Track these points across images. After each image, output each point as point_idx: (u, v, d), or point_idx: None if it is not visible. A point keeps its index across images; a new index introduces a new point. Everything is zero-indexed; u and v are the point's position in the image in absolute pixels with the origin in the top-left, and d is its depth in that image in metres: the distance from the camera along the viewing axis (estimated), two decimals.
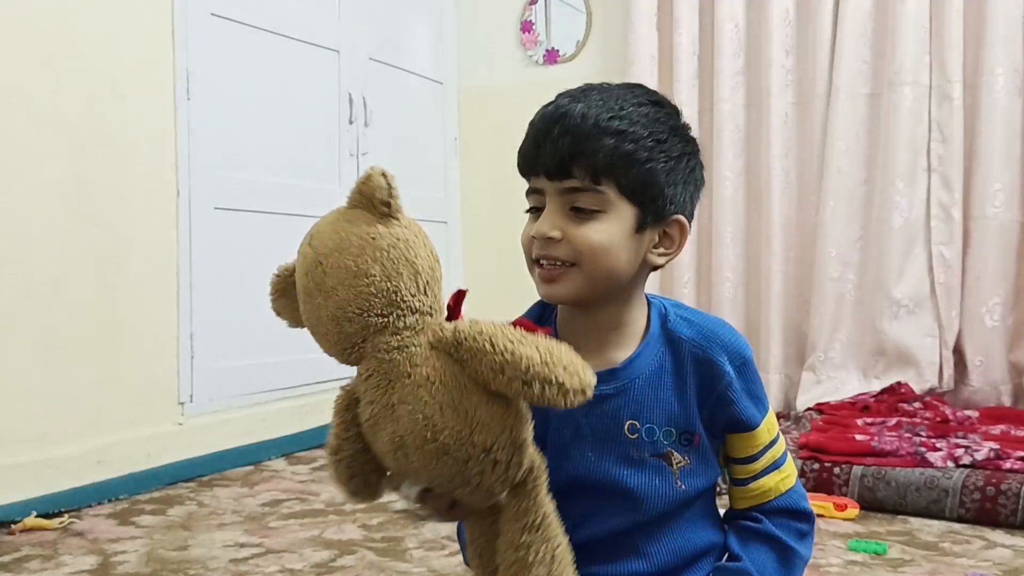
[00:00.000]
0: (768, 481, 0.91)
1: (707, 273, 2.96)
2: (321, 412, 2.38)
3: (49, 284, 1.96)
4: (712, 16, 2.89)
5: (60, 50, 1.99)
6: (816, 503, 1.76)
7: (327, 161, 2.78)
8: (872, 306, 2.69)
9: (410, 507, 0.75)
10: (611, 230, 0.82)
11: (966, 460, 1.88)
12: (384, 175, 0.70)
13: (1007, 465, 1.84)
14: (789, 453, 0.94)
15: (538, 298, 0.89)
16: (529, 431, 0.72)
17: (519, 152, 0.86)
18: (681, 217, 0.86)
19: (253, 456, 2.35)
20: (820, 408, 2.59)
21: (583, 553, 0.89)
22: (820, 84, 2.76)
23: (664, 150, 0.82)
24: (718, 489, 0.93)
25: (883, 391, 2.62)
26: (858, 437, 2.03)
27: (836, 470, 1.90)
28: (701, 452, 0.88)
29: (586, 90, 0.85)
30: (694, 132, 0.89)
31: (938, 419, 2.28)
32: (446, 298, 0.74)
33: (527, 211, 0.87)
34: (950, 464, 1.88)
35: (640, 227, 0.83)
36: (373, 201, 0.69)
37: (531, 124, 0.85)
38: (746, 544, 0.90)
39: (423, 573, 1.48)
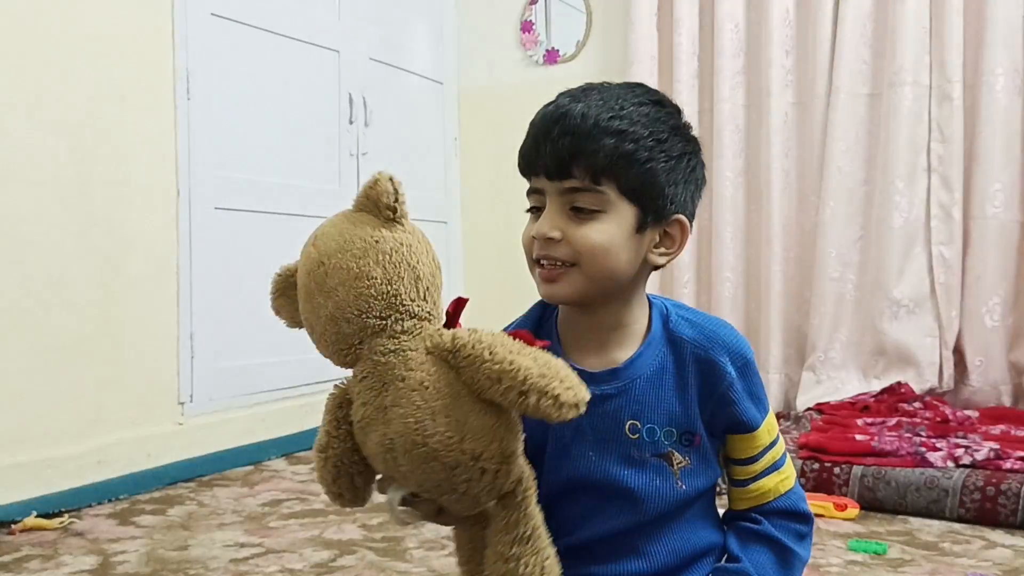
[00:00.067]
0: (768, 482, 0.91)
1: (707, 273, 2.96)
2: (321, 412, 2.38)
3: (49, 284, 1.96)
4: (712, 16, 2.89)
5: (60, 50, 1.99)
6: (816, 503, 1.76)
7: (327, 161, 2.78)
8: (872, 306, 2.69)
9: (394, 513, 0.74)
10: (611, 230, 0.82)
11: (966, 460, 1.88)
12: (391, 180, 0.70)
13: (1007, 465, 1.84)
14: (788, 454, 0.94)
15: (539, 298, 0.89)
16: (519, 443, 0.72)
17: (519, 152, 0.86)
18: (682, 217, 0.86)
19: (253, 456, 2.35)
20: (820, 408, 2.59)
21: (583, 553, 0.89)
22: (820, 84, 2.76)
23: (664, 149, 0.82)
24: (718, 490, 0.93)
25: (883, 391, 2.62)
26: (858, 437, 2.03)
27: (836, 470, 1.90)
28: (702, 452, 0.88)
29: (586, 90, 0.85)
30: (694, 132, 0.89)
31: (938, 419, 2.28)
32: (446, 304, 0.74)
33: (528, 211, 0.87)
34: (950, 464, 1.88)
35: (640, 227, 0.83)
36: (379, 205, 0.69)
37: (531, 124, 0.85)
38: (745, 545, 0.90)
39: (423, 573, 1.48)
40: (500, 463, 0.69)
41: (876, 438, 2.01)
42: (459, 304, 0.71)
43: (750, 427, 0.88)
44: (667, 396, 0.87)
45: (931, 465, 1.87)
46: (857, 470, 1.88)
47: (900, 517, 1.80)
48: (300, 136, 2.68)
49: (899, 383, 2.61)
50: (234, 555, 1.59)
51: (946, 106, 2.59)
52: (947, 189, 2.61)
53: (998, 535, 1.68)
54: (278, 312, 0.75)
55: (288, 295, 0.73)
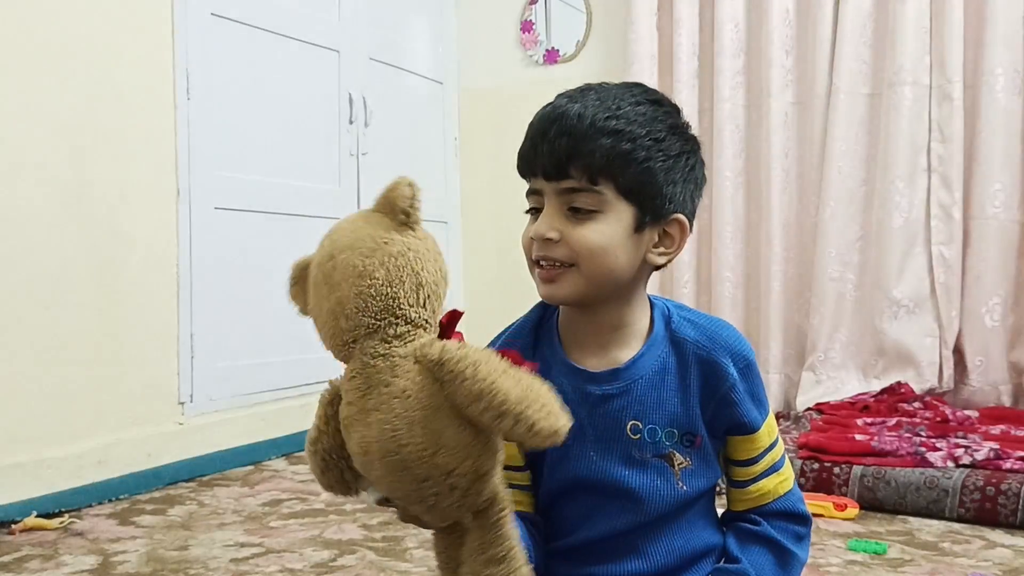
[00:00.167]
0: (767, 483, 0.91)
1: (707, 273, 2.96)
2: None
3: (49, 284, 1.96)
4: (712, 16, 2.89)
5: (60, 50, 1.99)
6: (816, 503, 1.76)
7: (327, 161, 2.79)
8: (872, 306, 2.69)
9: (371, 508, 0.75)
10: (609, 230, 0.82)
11: (966, 460, 1.88)
12: (410, 185, 0.70)
13: (1007, 465, 1.84)
14: (787, 456, 0.94)
15: (539, 299, 0.89)
16: (495, 463, 0.71)
17: (518, 153, 0.86)
18: (681, 216, 0.86)
19: (253, 456, 2.35)
20: (820, 408, 2.59)
21: (583, 553, 0.89)
22: (820, 84, 2.76)
23: (662, 149, 0.82)
24: (718, 490, 0.93)
25: (883, 391, 2.62)
26: (858, 437, 2.03)
27: (836, 470, 1.90)
28: (703, 453, 0.88)
29: (584, 90, 0.85)
30: (694, 132, 0.89)
31: (938, 419, 2.28)
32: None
33: (527, 212, 0.87)
34: (950, 464, 1.88)
35: (639, 227, 0.83)
36: (394, 208, 0.70)
37: (529, 125, 0.85)
38: (745, 546, 0.90)
39: (423, 573, 1.48)
40: (472, 481, 0.69)
41: (876, 438, 2.01)
42: (453, 316, 0.71)
43: (751, 428, 0.89)
44: (669, 397, 0.87)
45: (931, 465, 1.87)
46: (857, 470, 1.88)
47: (900, 517, 1.80)
48: (300, 136, 2.68)
49: (899, 383, 2.61)
50: (234, 555, 1.59)
51: (946, 106, 2.59)
52: (947, 189, 2.61)
53: (998, 535, 1.68)
54: (293, 299, 0.75)
55: (303, 284, 0.74)
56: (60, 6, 1.98)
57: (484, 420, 0.66)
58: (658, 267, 0.89)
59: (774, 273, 2.82)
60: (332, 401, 0.74)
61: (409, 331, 0.69)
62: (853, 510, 1.79)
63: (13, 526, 1.72)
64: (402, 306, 0.68)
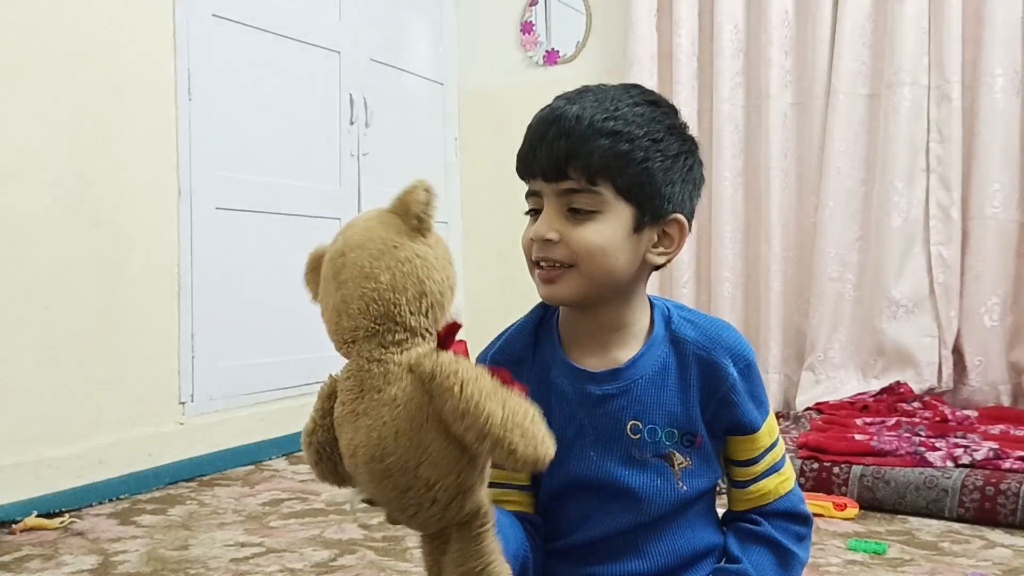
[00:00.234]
0: (768, 484, 0.91)
1: (707, 273, 2.97)
2: None
3: (49, 284, 1.96)
4: (712, 16, 2.89)
5: (60, 50, 1.99)
6: (815, 503, 1.76)
7: (327, 161, 2.79)
8: (871, 306, 2.70)
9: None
10: (608, 231, 0.82)
11: (965, 460, 1.89)
12: (427, 190, 0.69)
13: (1006, 465, 1.85)
14: (787, 456, 0.95)
15: (539, 299, 0.89)
16: (480, 480, 0.71)
17: (517, 155, 0.86)
18: (680, 216, 0.86)
19: (253, 456, 2.35)
20: (819, 408, 2.59)
21: (584, 553, 0.89)
22: (819, 84, 2.76)
23: (660, 149, 0.83)
24: (718, 490, 0.93)
25: (882, 391, 2.62)
26: (857, 437, 2.04)
27: (836, 470, 1.90)
28: (703, 453, 0.88)
29: (582, 91, 0.85)
30: (694, 132, 0.89)
31: (937, 419, 2.28)
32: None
33: (526, 213, 0.87)
34: (949, 464, 1.88)
35: (638, 227, 0.83)
36: (408, 211, 0.69)
37: (528, 127, 0.86)
38: (745, 546, 0.90)
39: (423, 573, 1.48)
40: (453, 496, 0.69)
41: (875, 438, 2.01)
42: (451, 329, 0.70)
43: (751, 428, 0.89)
44: (669, 397, 0.87)
45: (930, 465, 1.87)
46: (856, 470, 1.88)
47: (899, 517, 1.81)
48: (300, 136, 2.68)
49: (898, 383, 2.61)
50: (234, 555, 1.59)
51: (945, 106, 2.59)
52: (946, 189, 2.61)
53: (997, 535, 1.69)
54: (307, 284, 0.76)
55: (318, 272, 0.74)
56: (60, 6, 1.99)
57: (467, 439, 0.66)
58: (657, 267, 0.89)
59: (774, 273, 2.82)
60: (330, 395, 0.74)
61: (407, 339, 0.69)
62: (853, 510, 1.80)
63: (13, 526, 1.72)
64: (403, 313, 0.68)
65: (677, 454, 0.87)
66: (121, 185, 2.12)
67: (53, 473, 1.91)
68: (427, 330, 0.70)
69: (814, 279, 2.77)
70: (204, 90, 2.33)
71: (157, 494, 2.03)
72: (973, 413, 2.37)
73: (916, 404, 2.45)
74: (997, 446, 1.93)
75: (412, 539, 1.65)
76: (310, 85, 2.72)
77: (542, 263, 0.84)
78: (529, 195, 0.86)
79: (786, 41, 2.81)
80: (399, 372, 0.68)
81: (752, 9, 2.86)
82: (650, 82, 2.92)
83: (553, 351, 0.90)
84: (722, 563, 0.91)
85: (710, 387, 0.87)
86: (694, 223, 0.90)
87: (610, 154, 0.80)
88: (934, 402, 2.46)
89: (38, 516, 1.76)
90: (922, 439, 2.03)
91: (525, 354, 0.91)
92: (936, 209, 2.63)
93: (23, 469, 1.86)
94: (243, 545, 1.65)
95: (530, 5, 3.28)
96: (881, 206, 2.66)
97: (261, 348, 2.51)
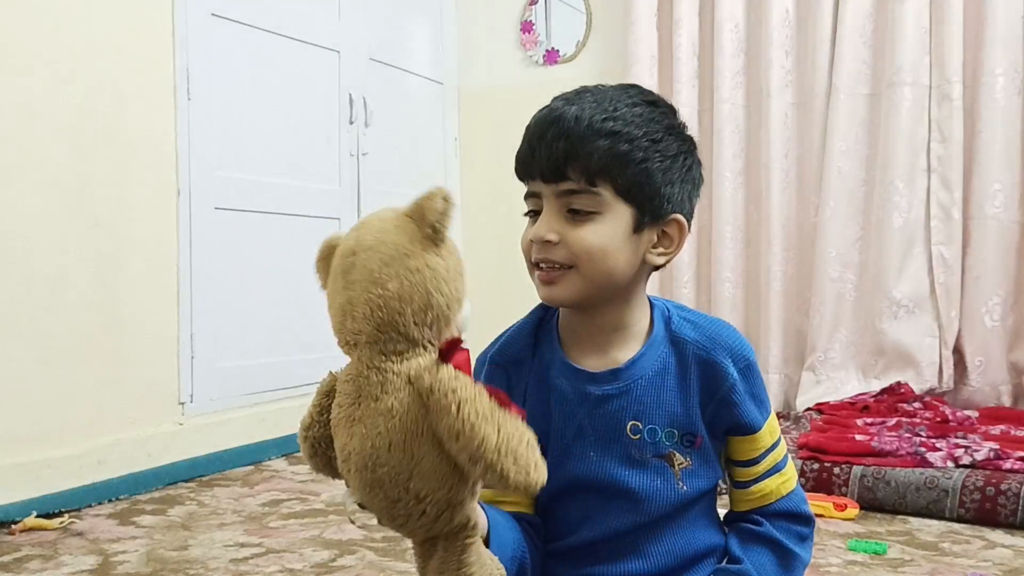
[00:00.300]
0: (769, 484, 0.91)
1: (707, 273, 2.97)
2: None
3: (49, 284, 1.96)
4: (712, 16, 2.89)
5: (60, 50, 1.99)
6: (816, 503, 1.76)
7: (327, 161, 2.79)
8: (872, 306, 2.70)
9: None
10: (608, 231, 0.82)
11: (966, 460, 1.88)
12: (445, 199, 0.68)
13: (1007, 465, 1.84)
14: (789, 456, 0.94)
15: (539, 300, 0.89)
16: (470, 493, 0.71)
17: (515, 156, 0.86)
18: (679, 216, 0.86)
19: (253, 456, 2.35)
20: (820, 408, 2.59)
21: (584, 553, 0.89)
22: (820, 84, 2.76)
23: (659, 150, 0.82)
24: (719, 490, 0.93)
25: (883, 391, 2.62)
26: (858, 437, 2.03)
27: (836, 470, 1.90)
28: (703, 453, 0.88)
29: (580, 92, 0.85)
30: (694, 132, 0.89)
31: (938, 419, 2.28)
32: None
33: (526, 214, 0.87)
34: (950, 464, 1.88)
35: (638, 227, 0.83)
36: (424, 219, 0.68)
37: (526, 128, 0.85)
38: (747, 546, 0.90)
39: None
40: (443, 509, 0.69)
41: (876, 438, 2.01)
42: (453, 344, 0.70)
43: (752, 429, 0.89)
44: (668, 397, 0.87)
45: (931, 465, 1.87)
46: (857, 470, 1.88)
47: (900, 517, 1.80)
48: (300, 136, 2.68)
49: (899, 383, 2.61)
50: (234, 555, 1.59)
51: (946, 106, 2.59)
52: (947, 189, 2.61)
53: (998, 535, 1.68)
54: (318, 271, 0.75)
55: (329, 260, 0.73)
56: (60, 6, 1.98)
57: (460, 460, 0.66)
58: (657, 267, 0.89)
59: (774, 273, 2.82)
60: (328, 393, 0.74)
61: (408, 349, 0.68)
62: (853, 510, 1.79)
63: (13, 526, 1.72)
64: (407, 324, 0.67)
65: (677, 454, 0.87)
66: (120, 185, 2.12)
67: (53, 473, 1.91)
68: (429, 342, 0.69)
69: (815, 279, 2.77)
70: (203, 90, 2.33)
71: (157, 494, 2.02)
72: (974, 413, 2.37)
73: (917, 404, 2.45)
74: (998, 446, 1.93)
75: (410, 541, 1.65)
76: (309, 84, 2.72)
77: (542, 264, 0.84)
78: (528, 196, 0.86)
79: (787, 40, 2.80)
80: (397, 383, 0.68)
81: (752, 8, 2.86)
82: (650, 82, 2.92)
83: (553, 352, 0.90)
84: (723, 563, 0.91)
85: (710, 387, 0.87)
86: (694, 223, 0.90)
87: (609, 155, 0.80)
88: (935, 402, 2.46)
89: (38, 516, 1.76)
90: (923, 439, 2.03)
91: (525, 355, 0.91)
92: (937, 209, 2.62)
93: (23, 469, 1.86)
94: (243, 545, 1.64)
95: (530, 4, 3.28)
96: (882, 206, 2.65)
97: (261, 348, 2.51)
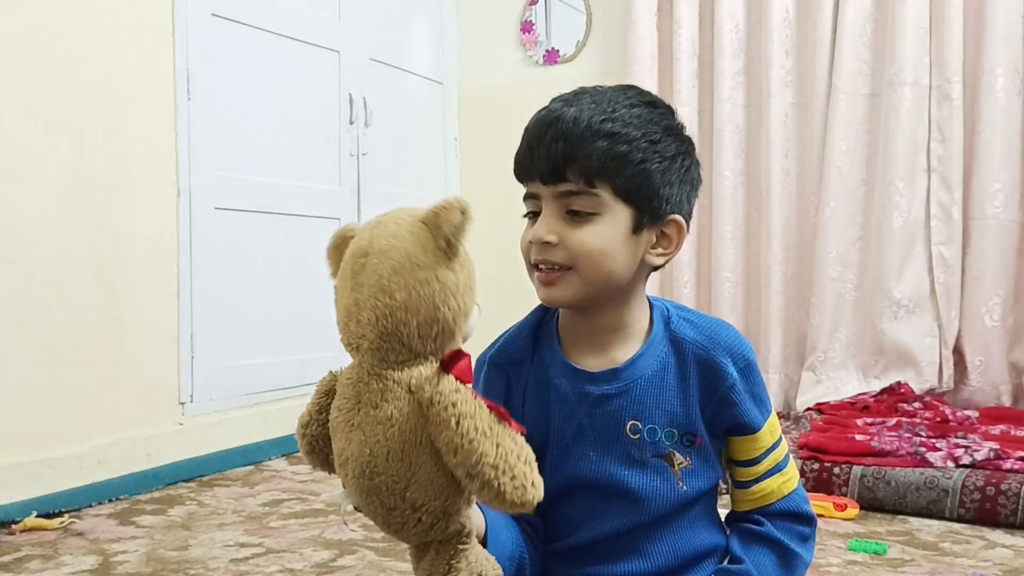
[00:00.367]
0: (771, 484, 0.91)
1: (707, 273, 2.96)
2: None
3: (49, 284, 1.96)
4: (712, 16, 2.89)
5: (60, 50, 1.99)
6: (816, 503, 1.76)
7: (327, 161, 2.79)
8: (872, 306, 2.70)
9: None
10: (607, 232, 0.82)
11: (966, 460, 1.88)
12: (463, 212, 0.67)
13: (1007, 465, 1.84)
14: (791, 456, 0.94)
15: (538, 301, 0.89)
16: (467, 502, 0.71)
17: (514, 158, 0.86)
18: (678, 217, 0.86)
19: (253, 456, 2.35)
20: (820, 408, 2.59)
21: (584, 553, 0.89)
22: (820, 84, 2.76)
23: (658, 150, 0.83)
24: (719, 490, 0.93)
25: (883, 391, 2.62)
26: (858, 437, 2.03)
27: (836, 470, 1.90)
28: (703, 453, 0.88)
29: (579, 93, 0.85)
30: (694, 132, 0.89)
31: (938, 419, 2.28)
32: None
33: (525, 216, 0.87)
34: (950, 464, 1.88)
35: (637, 228, 0.83)
36: (439, 230, 0.67)
37: (525, 130, 0.86)
38: (748, 546, 0.90)
39: None
40: (438, 518, 0.69)
41: (876, 438, 2.01)
42: (453, 357, 0.69)
43: (752, 428, 0.89)
44: (668, 397, 0.87)
45: (931, 465, 1.87)
46: (857, 470, 1.88)
47: (900, 517, 1.80)
48: (300, 136, 2.68)
49: (899, 383, 2.61)
50: (234, 555, 1.59)
51: (946, 106, 2.59)
52: (947, 189, 2.61)
53: (998, 535, 1.68)
54: (329, 259, 0.74)
55: (341, 250, 0.72)
56: (60, 6, 1.99)
57: (457, 474, 0.66)
58: (656, 268, 0.89)
59: (774, 273, 2.82)
60: (328, 392, 0.74)
61: (410, 359, 0.68)
62: (853, 510, 1.79)
63: (13, 526, 1.72)
64: (411, 336, 0.67)
65: (677, 454, 0.87)
66: (121, 185, 2.12)
67: (53, 473, 1.91)
68: (432, 354, 0.69)
69: (815, 279, 2.77)
70: (203, 90, 2.33)
71: (157, 494, 2.02)
72: (974, 413, 2.37)
73: (917, 404, 2.45)
74: (998, 446, 1.93)
75: None
76: (310, 85, 2.72)
77: (541, 266, 0.84)
78: (527, 198, 0.86)
79: (787, 40, 2.80)
80: (398, 391, 0.67)
81: (753, 8, 2.86)
82: (650, 82, 2.92)
83: (552, 352, 0.90)
84: (724, 563, 0.91)
85: (710, 387, 0.87)
86: (694, 223, 0.90)
87: (608, 156, 0.80)
88: (935, 402, 2.46)
89: (38, 516, 1.76)
90: (923, 439, 2.03)
91: (524, 355, 0.91)
92: (937, 209, 2.62)
93: (23, 469, 1.86)
94: (243, 545, 1.64)
95: (530, 4, 3.28)
96: (882, 206, 2.65)
97: (261, 348, 2.51)
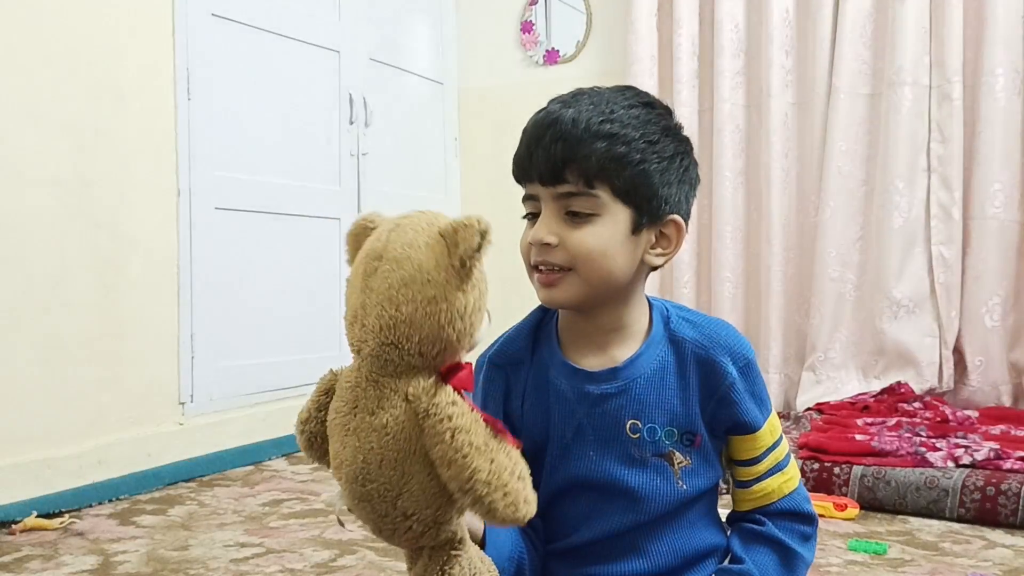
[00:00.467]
0: (771, 483, 0.91)
1: (707, 273, 2.96)
2: None
3: (49, 284, 1.96)
4: (712, 16, 2.89)
5: (60, 50, 1.99)
6: (816, 503, 1.74)
7: (327, 161, 2.79)
8: (872, 306, 2.70)
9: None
10: (606, 233, 0.82)
11: (966, 460, 1.88)
12: (483, 234, 0.66)
13: (1007, 465, 1.84)
14: (792, 455, 0.94)
15: (538, 302, 0.89)
16: (459, 511, 0.71)
17: (513, 159, 0.86)
18: (677, 217, 0.86)
19: (253, 456, 2.35)
20: (820, 408, 2.59)
21: (584, 553, 0.89)
22: (820, 84, 2.76)
23: (657, 151, 0.83)
24: (720, 491, 0.93)
25: (883, 391, 2.62)
26: (858, 437, 2.03)
27: (836, 470, 1.90)
28: (703, 452, 0.88)
29: (577, 95, 0.85)
30: (694, 132, 0.89)
31: (938, 419, 2.28)
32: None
33: (524, 217, 0.87)
34: (950, 464, 1.88)
35: (636, 229, 0.84)
36: (455, 248, 0.66)
37: (524, 131, 0.86)
38: (748, 546, 0.90)
39: None
40: (428, 527, 0.69)
41: (876, 438, 2.01)
42: (451, 369, 0.69)
43: (752, 428, 0.89)
44: (668, 396, 0.87)
45: (931, 465, 1.87)
46: (857, 470, 1.88)
47: (900, 517, 1.80)
48: (300, 136, 2.68)
49: (899, 383, 2.61)
50: (234, 555, 1.59)
51: (946, 106, 2.59)
52: (947, 189, 2.61)
53: (998, 535, 1.68)
54: (348, 244, 0.73)
55: (360, 240, 0.71)
56: (60, 6, 1.99)
57: (450, 487, 0.66)
58: (655, 268, 0.89)
59: (774, 273, 2.82)
60: (328, 391, 0.74)
61: (409, 370, 0.68)
62: (853, 510, 1.79)
63: (13, 526, 1.72)
64: (411, 350, 0.66)
65: (677, 453, 0.87)
66: (121, 185, 2.12)
67: (53, 473, 1.91)
68: (430, 367, 0.68)
69: (815, 279, 2.77)
70: (203, 90, 2.33)
71: (157, 494, 2.02)
72: (974, 413, 2.37)
73: (917, 404, 2.45)
74: (998, 446, 1.93)
75: None
76: (310, 85, 2.72)
77: (541, 267, 0.84)
78: (526, 199, 0.86)
79: (787, 40, 2.80)
80: (394, 399, 0.67)
81: (753, 8, 2.86)
82: (650, 81, 2.92)
83: (552, 352, 0.90)
84: (725, 563, 0.91)
85: (709, 386, 0.87)
86: (694, 223, 0.90)
87: (607, 157, 0.80)
88: (935, 402, 2.46)
89: (38, 516, 1.76)
90: (923, 439, 2.03)
91: (523, 355, 0.91)
92: (937, 209, 2.62)
93: (23, 469, 1.86)
94: (243, 545, 1.64)
95: (530, 4, 3.28)
96: (882, 206, 2.65)
97: (261, 348, 2.51)
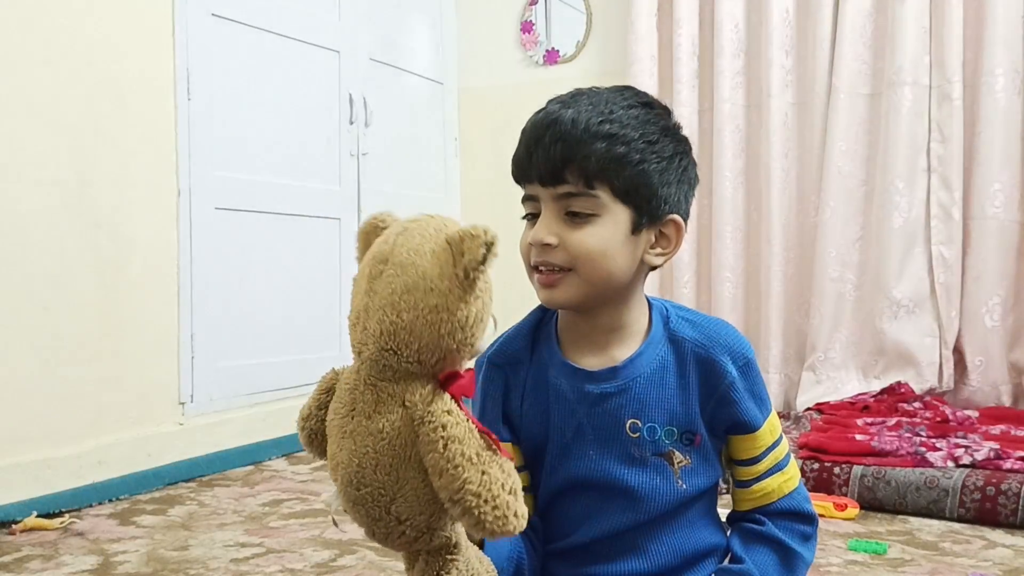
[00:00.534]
0: (771, 483, 0.91)
1: (707, 273, 2.96)
2: None
3: (49, 284, 1.96)
4: (712, 16, 2.89)
5: (60, 50, 1.99)
6: (816, 503, 1.74)
7: (327, 161, 2.79)
8: (872, 306, 2.70)
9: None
10: (606, 233, 0.82)
11: (966, 460, 1.88)
12: (489, 246, 0.64)
13: (1007, 465, 1.84)
14: (792, 455, 0.94)
15: (537, 302, 0.89)
16: (452, 518, 0.71)
17: (512, 160, 0.86)
18: (676, 217, 0.86)
19: (253, 456, 2.35)
20: (820, 408, 2.59)
21: (584, 552, 0.89)
22: (820, 84, 2.76)
23: (656, 151, 0.83)
24: (720, 490, 0.93)
25: (883, 391, 2.62)
26: (858, 437, 2.03)
27: (836, 470, 1.90)
28: (703, 452, 0.88)
29: (576, 95, 0.85)
30: (694, 132, 0.90)
31: (938, 419, 2.28)
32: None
33: (524, 218, 0.87)
34: (950, 464, 1.88)
35: (636, 229, 0.84)
36: (460, 258, 0.65)
37: (523, 132, 0.86)
38: (748, 546, 0.90)
39: None
40: (422, 532, 0.69)
41: (876, 438, 2.01)
42: (449, 377, 0.69)
43: (751, 427, 0.89)
44: (668, 395, 0.87)
45: (931, 465, 1.87)
46: (857, 470, 1.88)
47: (900, 517, 1.80)
48: (300, 136, 2.68)
49: (899, 383, 2.61)
50: (234, 555, 1.59)
51: (946, 106, 2.59)
52: (947, 189, 2.61)
53: (998, 535, 1.68)
54: (358, 242, 0.73)
55: (371, 238, 0.71)
56: (60, 6, 1.99)
57: (440, 496, 0.66)
58: (655, 267, 0.89)
59: (774, 273, 2.82)
60: (329, 390, 0.74)
61: (407, 376, 0.68)
62: (853, 510, 1.79)
63: (13, 526, 1.72)
64: (410, 357, 0.66)
65: (677, 452, 0.87)
66: (121, 185, 2.12)
67: (53, 473, 1.91)
68: (427, 374, 0.68)
69: (815, 279, 2.77)
70: (203, 90, 2.33)
71: (157, 494, 2.02)
72: (974, 413, 2.37)
73: (917, 404, 2.45)
74: (998, 446, 1.93)
75: None
76: (310, 85, 2.72)
77: (541, 267, 0.84)
78: (526, 199, 0.86)
79: (787, 40, 2.80)
80: (391, 404, 0.67)
81: (752, 8, 2.86)
82: (650, 82, 2.92)
83: (551, 351, 0.90)
84: (725, 563, 0.91)
85: (709, 385, 0.87)
86: (694, 223, 0.90)
87: (606, 157, 0.81)
88: (935, 402, 2.46)
89: (38, 516, 1.76)
90: (923, 439, 2.03)
91: (523, 355, 0.91)
92: (937, 209, 2.62)
93: (23, 469, 1.86)
94: (243, 545, 1.64)
95: (530, 4, 3.28)
96: (882, 206, 2.65)
97: (261, 348, 2.51)
